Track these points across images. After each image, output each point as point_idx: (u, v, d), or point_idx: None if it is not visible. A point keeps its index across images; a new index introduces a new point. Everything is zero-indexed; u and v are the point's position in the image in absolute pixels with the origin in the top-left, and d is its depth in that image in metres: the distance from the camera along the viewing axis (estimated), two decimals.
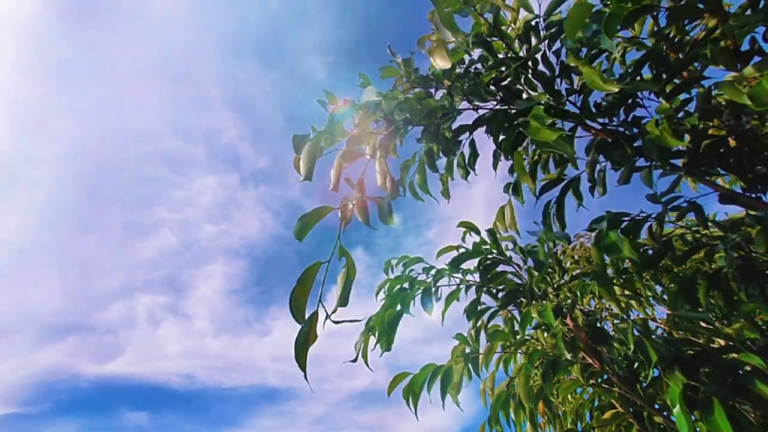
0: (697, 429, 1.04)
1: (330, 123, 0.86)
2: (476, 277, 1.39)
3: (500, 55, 1.21)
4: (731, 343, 1.25)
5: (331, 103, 1.09)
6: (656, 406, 1.26)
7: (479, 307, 1.39)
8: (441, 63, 1.03)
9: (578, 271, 1.67)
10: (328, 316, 0.71)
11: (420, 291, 1.22)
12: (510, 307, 1.43)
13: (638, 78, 1.28)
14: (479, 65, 1.20)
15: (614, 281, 1.47)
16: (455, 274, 1.35)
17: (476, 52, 1.22)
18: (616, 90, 0.86)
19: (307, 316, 0.70)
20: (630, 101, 1.28)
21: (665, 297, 1.59)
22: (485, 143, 1.60)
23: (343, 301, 0.74)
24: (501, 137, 1.12)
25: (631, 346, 1.03)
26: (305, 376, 0.70)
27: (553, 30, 1.13)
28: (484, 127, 1.16)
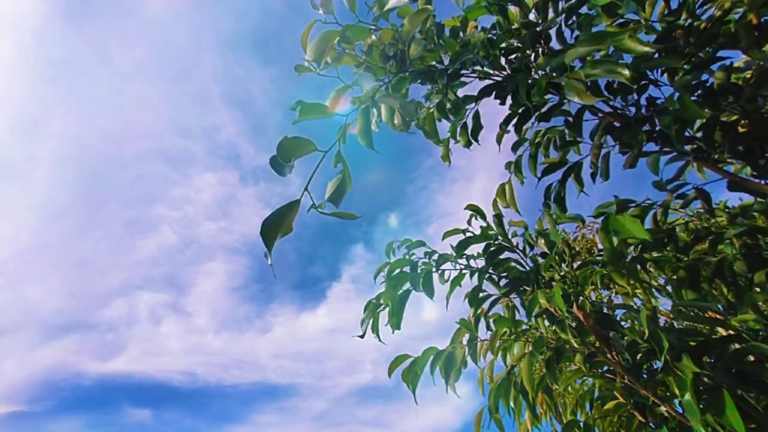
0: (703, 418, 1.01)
1: (345, 30, 0.77)
2: (480, 262, 1.33)
3: (514, 26, 1.15)
4: (736, 333, 1.22)
5: (349, 6, 0.97)
6: (662, 396, 1.22)
7: (480, 295, 1.33)
8: None
9: (580, 262, 1.63)
10: (313, 206, 0.65)
11: (423, 274, 1.15)
12: (512, 296, 1.38)
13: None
14: (492, 33, 1.14)
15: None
16: (459, 260, 1.29)
17: (488, 23, 1.15)
18: (652, 50, 0.81)
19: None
20: (643, 82, 1.23)
21: (668, 288, 1.57)
22: (487, 130, 1.54)
23: (336, 199, 0.67)
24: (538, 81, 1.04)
25: (646, 331, 0.98)
26: (270, 258, 0.62)
27: (572, 1, 1.07)
28: (492, 96, 1.09)
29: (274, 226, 0.61)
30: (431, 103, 1.20)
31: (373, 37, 0.95)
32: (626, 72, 0.76)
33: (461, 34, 1.09)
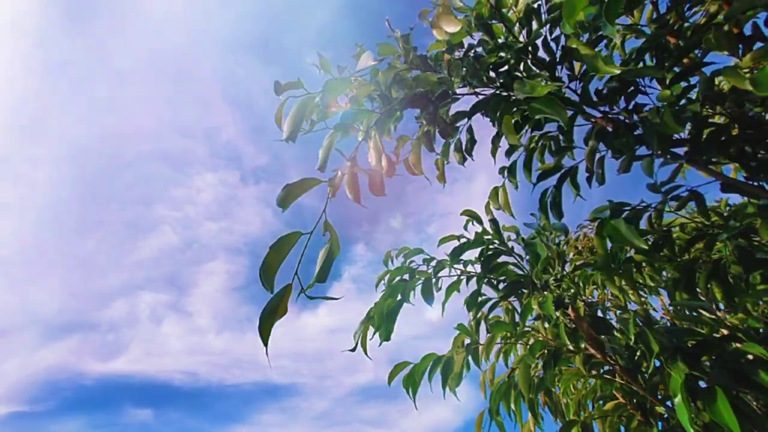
0: (696, 418, 1.03)
1: (325, 89, 0.82)
2: (477, 267, 1.37)
3: (500, 40, 1.18)
4: (733, 333, 1.23)
5: (324, 69, 1.04)
6: (659, 397, 1.25)
7: (480, 299, 1.37)
8: (448, 28, 0.98)
9: (581, 261, 1.65)
10: (303, 291, 0.68)
11: (420, 282, 1.20)
12: (511, 298, 1.42)
13: (640, 65, 1.27)
14: (479, 49, 1.18)
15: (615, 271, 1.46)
16: (456, 265, 1.33)
17: (475, 37, 1.19)
18: (618, 72, 0.84)
19: (278, 288, 0.67)
20: (631, 89, 1.26)
21: (666, 287, 1.58)
22: (484, 134, 1.58)
23: (322, 276, 0.71)
24: (499, 115, 1.09)
25: (632, 338, 1.01)
26: (266, 350, 0.67)
27: (555, 13, 1.10)
28: (483, 113, 1.13)
29: (271, 316, 0.65)
30: (422, 123, 1.24)
31: (356, 83, 1.00)
32: (566, 117, 0.80)
33: (451, 53, 1.13)
